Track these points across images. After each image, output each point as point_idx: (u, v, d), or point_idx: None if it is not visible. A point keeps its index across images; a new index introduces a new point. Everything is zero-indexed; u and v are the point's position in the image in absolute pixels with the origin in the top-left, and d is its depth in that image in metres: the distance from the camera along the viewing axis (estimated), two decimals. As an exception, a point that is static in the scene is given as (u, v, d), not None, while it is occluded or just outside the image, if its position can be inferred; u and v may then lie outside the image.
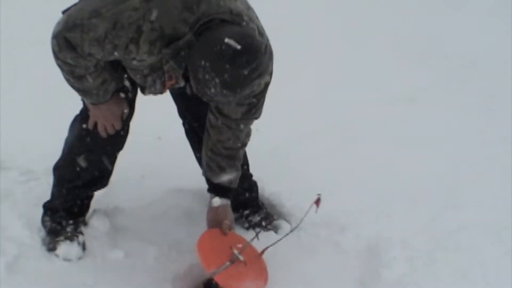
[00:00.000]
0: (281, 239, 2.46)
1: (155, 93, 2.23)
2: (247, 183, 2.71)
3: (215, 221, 2.44)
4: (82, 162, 2.49)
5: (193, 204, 2.90)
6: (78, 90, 2.25)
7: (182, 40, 1.99)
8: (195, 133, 2.60)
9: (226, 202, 2.45)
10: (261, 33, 2.13)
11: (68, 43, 2.06)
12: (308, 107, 3.41)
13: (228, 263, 2.26)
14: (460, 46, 4.23)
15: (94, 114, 2.35)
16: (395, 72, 3.92)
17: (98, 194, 2.67)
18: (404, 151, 3.23)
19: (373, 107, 3.57)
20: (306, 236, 2.71)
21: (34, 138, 3.05)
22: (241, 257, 2.31)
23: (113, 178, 2.62)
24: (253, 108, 2.29)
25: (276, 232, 2.68)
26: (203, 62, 1.90)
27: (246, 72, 1.90)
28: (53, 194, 2.64)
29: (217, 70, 1.89)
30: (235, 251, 2.32)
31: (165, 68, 2.09)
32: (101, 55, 2.08)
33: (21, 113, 3.24)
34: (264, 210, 2.84)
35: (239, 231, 2.67)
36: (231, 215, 2.46)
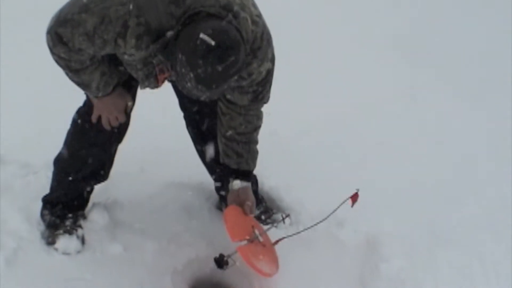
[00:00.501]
0: (299, 232, 2.49)
1: (150, 87, 2.23)
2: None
3: (236, 203, 2.43)
4: (83, 155, 2.49)
5: (192, 198, 2.90)
6: (78, 84, 2.25)
7: (169, 34, 1.98)
8: (196, 125, 2.61)
9: (246, 184, 2.44)
10: (255, 22, 2.10)
11: (60, 38, 2.07)
12: (308, 102, 3.41)
13: (251, 237, 2.30)
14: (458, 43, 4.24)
15: (98, 108, 2.35)
16: (395, 69, 3.94)
17: (97, 188, 2.66)
18: (404, 147, 3.24)
19: (373, 102, 3.58)
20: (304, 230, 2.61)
21: (33, 132, 3.04)
22: (261, 238, 2.34)
23: (112, 171, 2.62)
24: (259, 95, 2.29)
25: (275, 226, 2.66)
26: (180, 56, 1.91)
27: (220, 68, 1.89)
28: (52, 188, 2.64)
29: (191, 65, 1.89)
30: (256, 231, 2.34)
31: (154, 61, 2.09)
32: (92, 49, 2.08)
33: (20, 107, 3.23)
34: (263, 204, 2.84)
35: None
36: (252, 197, 2.45)
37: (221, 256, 2.34)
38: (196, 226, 2.75)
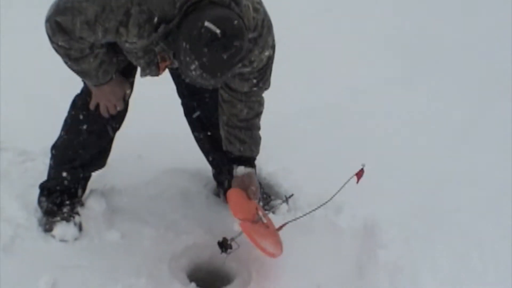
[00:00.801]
0: (303, 215, 2.50)
1: (151, 74, 2.22)
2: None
3: (241, 188, 2.45)
4: (81, 142, 2.49)
5: (190, 184, 2.89)
6: (77, 72, 2.24)
7: (172, 22, 1.98)
8: (193, 112, 2.61)
9: (251, 170, 2.45)
10: (256, 9, 2.11)
11: (59, 27, 2.06)
12: (304, 86, 3.40)
13: (255, 218, 2.32)
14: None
15: (96, 96, 2.35)
16: (392, 57, 3.92)
17: (94, 174, 2.67)
18: (401, 131, 3.23)
19: (370, 88, 3.57)
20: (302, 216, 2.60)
21: (31, 119, 3.05)
22: (264, 220, 2.36)
23: (109, 158, 2.62)
24: (260, 82, 2.30)
25: (273, 212, 2.67)
26: (184, 44, 1.91)
27: (225, 56, 1.90)
28: (50, 175, 2.64)
29: (196, 54, 1.89)
30: (260, 213, 2.36)
31: (156, 49, 2.09)
32: (93, 38, 2.08)
33: (17, 94, 3.22)
34: (261, 190, 2.76)
35: None
36: (256, 182, 2.46)
37: (225, 239, 2.35)
38: (194, 213, 2.74)
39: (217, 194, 2.86)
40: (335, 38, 3.93)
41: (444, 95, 3.61)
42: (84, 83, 2.40)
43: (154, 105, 2.94)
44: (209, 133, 2.64)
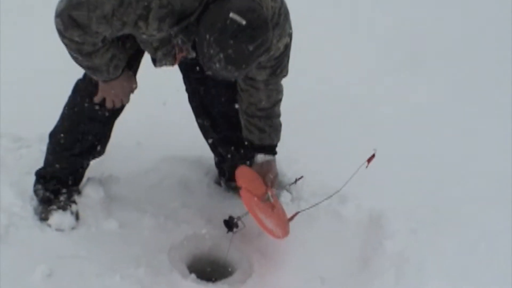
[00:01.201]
0: (318, 203, 2.51)
1: (166, 65, 2.21)
2: (247, 151, 2.62)
3: (259, 175, 2.46)
4: (81, 130, 2.47)
5: (190, 172, 2.87)
6: (87, 68, 2.23)
7: (193, 15, 1.96)
8: (199, 97, 2.58)
9: (270, 157, 2.47)
10: None
11: (73, 22, 2.02)
12: (307, 74, 3.34)
13: (263, 197, 2.34)
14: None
15: (104, 90, 2.34)
16: (395, 46, 3.90)
17: (92, 162, 2.63)
18: (408, 120, 3.20)
19: (374, 76, 3.54)
20: (305, 206, 2.63)
21: (26, 104, 3.00)
22: (271, 199, 2.37)
23: (108, 145, 2.59)
24: (278, 69, 2.30)
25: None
26: (208, 36, 1.89)
27: (251, 48, 1.89)
28: (47, 162, 2.60)
29: (221, 45, 1.88)
30: (269, 193, 2.38)
31: (174, 41, 2.07)
32: (109, 32, 2.05)
33: (12, 79, 3.16)
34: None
35: (237, 201, 2.59)
36: (275, 170, 2.48)
37: (231, 218, 2.36)
38: (194, 202, 2.72)
39: (219, 183, 2.84)
40: (343, 25, 3.93)
41: (453, 83, 3.60)
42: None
43: (153, 91, 2.88)
44: (213, 120, 2.61)
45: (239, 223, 2.36)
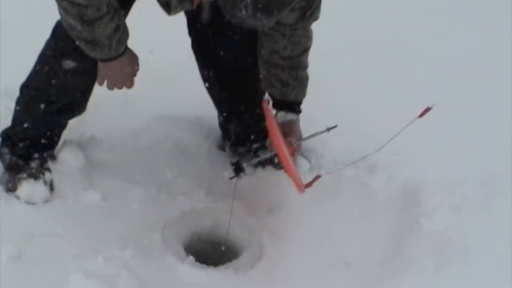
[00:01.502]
0: (344, 167, 2.38)
1: (183, 9, 2.16)
2: (257, 112, 2.48)
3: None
4: (61, 82, 2.31)
5: (188, 135, 2.73)
6: (85, 41, 2.08)
7: None
8: (205, 41, 2.45)
9: (293, 117, 2.37)
10: None
11: None
12: (341, 15, 3.12)
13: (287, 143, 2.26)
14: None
15: (104, 74, 2.23)
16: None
17: (71, 121, 2.46)
18: (451, 76, 2.95)
19: (411, 24, 3.32)
20: (327, 176, 2.44)
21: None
22: (295, 145, 2.30)
23: (89, 102, 2.43)
24: (308, 11, 2.18)
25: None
26: None
27: None
28: (16, 120, 2.45)
29: None
30: (293, 140, 2.30)
31: None
32: None
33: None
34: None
35: (246, 169, 2.42)
36: (299, 132, 2.38)
37: (240, 161, 2.29)
38: (193, 171, 2.59)
39: (222, 148, 2.70)
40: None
41: (500, 32, 3.37)
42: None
43: (137, 38, 2.62)
44: (222, 71, 2.47)
45: (249, 169, 2.32)
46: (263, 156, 2.31)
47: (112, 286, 2.08)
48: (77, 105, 2.40)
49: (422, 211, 2.35)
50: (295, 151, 2.32)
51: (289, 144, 2.29)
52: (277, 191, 2.45)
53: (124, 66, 2.22)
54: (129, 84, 2.28)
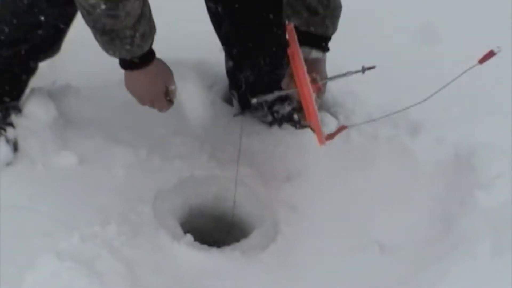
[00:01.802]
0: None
1: None
2: (279, 55, 2.22)
3: None
4: (35, 15, 2.10)
5: (186, 84, 2.31)
6: (103, 31, 1.88)
7: None
8: None
9: (318, 55, 2.13)
10: None
11: None
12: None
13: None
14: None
15: (129, 87, 2.02)
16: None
17: (41, 64, 2.24)
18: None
19: None
20: (359, 137, 2.27)
21: None
22: (319, 80, 2.07)
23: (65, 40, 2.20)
24: None
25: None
26: None
27: None
28: None
29: None
30: (317, 76, 2.06)
31: None
32: None
33: None
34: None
35: (255, 127, 2.29)
36: (324, 73, 2.15)
37: (245, 94, 2.20)
38: (192, 129, 2.31)
39: (229, 100, 2.46)
40: None
41: None
42: None
43: None
44: (234, 3, 2.21)
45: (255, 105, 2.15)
46: (279, 92, 2.06)
47: (91, 270, 1.86)
48: (51, 45, 2.20)
49: (477, 182, 2.10)
50: (320, 90, 2.10)
51: (313, 81, 2.07)
52: (297, 155, 2.25)
53: (152, 80, 2.01)
54: (158, 105, 2.07)
